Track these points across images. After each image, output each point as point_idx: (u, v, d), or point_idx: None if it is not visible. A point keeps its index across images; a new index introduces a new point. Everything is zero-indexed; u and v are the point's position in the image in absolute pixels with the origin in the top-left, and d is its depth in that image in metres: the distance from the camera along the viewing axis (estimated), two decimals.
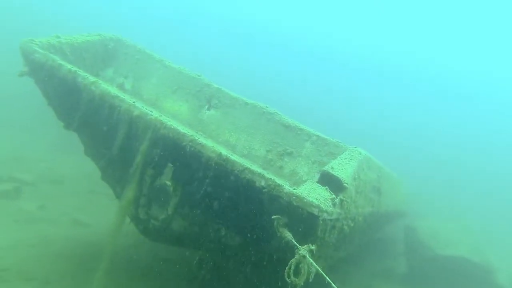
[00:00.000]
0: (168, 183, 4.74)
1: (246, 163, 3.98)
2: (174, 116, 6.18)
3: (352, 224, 4.52)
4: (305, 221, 3.51)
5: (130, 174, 4.71)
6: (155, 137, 4.47)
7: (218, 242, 4.74)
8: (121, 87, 6.63)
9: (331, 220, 3.66)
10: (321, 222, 3.47)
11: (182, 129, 4.46)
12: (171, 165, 4.62)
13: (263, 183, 3.70)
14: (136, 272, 5.47)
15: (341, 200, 3.84)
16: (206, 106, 6.15)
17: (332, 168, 4.06)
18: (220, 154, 4.04)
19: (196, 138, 4.27)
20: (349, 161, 4.35)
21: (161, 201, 4.93)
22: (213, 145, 4.18)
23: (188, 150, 4.26)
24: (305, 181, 5.03)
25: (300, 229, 3.54)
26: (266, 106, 5.78)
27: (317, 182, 4.00)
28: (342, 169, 4.10)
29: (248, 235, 4.06)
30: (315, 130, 5.42)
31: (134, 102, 4.77)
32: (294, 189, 3.67)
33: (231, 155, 4.23)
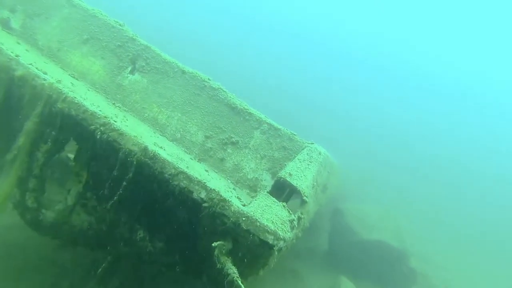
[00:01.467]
0: (71, 162, 3.60)
1: (181, 164, 3.02)
2: (82, 76, 4.73)
3: (300, 234, 3.96)
4: (255, 250, 2.78)
5: (13, 145, 3.43)
6: (49, 114, 3.18)
7: (134, 246, 3.79)
8: (4, 24, 4.82)
9: (286, 246, 2.99)
10: (275, 252, 2.78)
11: (91, 105, 3.23)
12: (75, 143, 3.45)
13: (203, 195, 2.85)
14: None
15: (299, 218, 3.18)
16: (129, 68, 4.81)
17: (290, 174, 3.34)
18: (145, 149, 3.01)
19: (111, 121, 3.12)
20: (308, 164, 3.68)
21: (59, 186, 3.84)
22: (135, 134, 3.09)
23: (99, 138, 3.11)
24: (250, 179, 4.28)
25: (246, 259, 2.81)
26: (209, 79, 4.72)
27: (271, 191, 3.26)
28: (301, 176, 3.42)
29: (176, 255, 3.21)
30: (267, 116, 4.59)
31: (17, 56, 3.32)
32: (244, 205, 2.88)
33: (160, 149, 3.20)
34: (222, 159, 4.36)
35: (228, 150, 4.42)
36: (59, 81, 3.27)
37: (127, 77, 4.76)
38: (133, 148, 3.05)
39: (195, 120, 4.57)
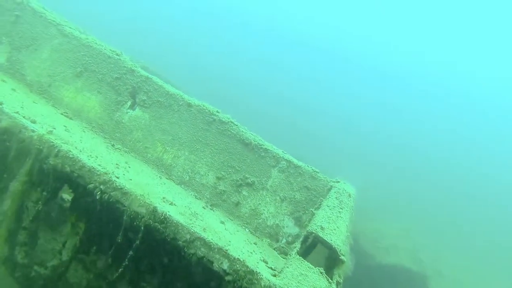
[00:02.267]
0: (66, 204, 3.19)
1: (197, 225, 2.59)
2: (77, 114, 4.31)
3: None
4: None
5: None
6: (39, 171, 2.75)
7: None
8: None
9: None
10: None
11: (88, 158, 2.81)
12: (70, 190, 3.05)
13: (225, 266, 2.42)
14: None
15: (338, 283, 2.74)
16: (129, 103, 4.40)
17: (322, 228, 2.91)
18: (154, 211, 2.57)
19: (112, 178, 2.70)
20: (339, 212, 3.25)
21: (52, 239, 3.41)
22: (142, 192, 2.67)
23: (99, 198, 2.67)
24: (270, 227, 3.84)
25: None
26: (218, 112, 4.31)
27: (302, 250, 2.83)
28: (334, 228, 2.98)
29: None
30: (285, 151, 4.17)
31: (0, 104, 2.91)
32: (274, 274, 2.45)
33: (171, 206, 2.77)
34: (237, 204, 3.92)
35: (244, 193, 3.98)
36: (50, 132, 2.85)
37: (127, 113, 4.35)
38: (140, 210, 2.62)
39: (204, 159, 4.14)
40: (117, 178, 2.79)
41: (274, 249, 3.55)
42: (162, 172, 4.05)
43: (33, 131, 2.82)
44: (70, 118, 4.17)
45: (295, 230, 3.76)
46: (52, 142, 2.78)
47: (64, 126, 3.56)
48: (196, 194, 3.92)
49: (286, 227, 3.78)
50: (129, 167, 3.48)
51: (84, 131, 3.96)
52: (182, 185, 4.00)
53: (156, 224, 2.58)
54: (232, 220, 3.81)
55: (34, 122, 2.97)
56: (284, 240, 3.70)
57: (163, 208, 2.67)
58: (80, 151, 2.95)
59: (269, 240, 3.70)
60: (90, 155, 3.00)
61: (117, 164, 3.28)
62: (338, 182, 3.92)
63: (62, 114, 4.13)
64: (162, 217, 2.58)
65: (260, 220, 3.84)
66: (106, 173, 2.75)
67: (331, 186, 3.85)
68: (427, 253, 10.22)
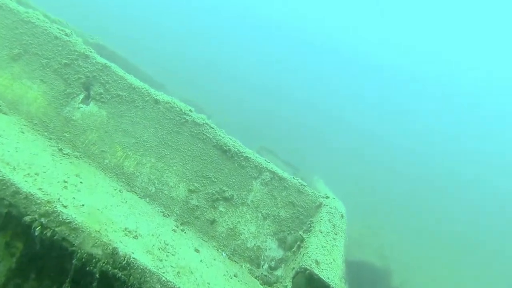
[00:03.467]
0: None
1: (169, 272, 2.11)
2: (13, 107, 3.54)
3: None
4: None
5: None
6: None
7: None
8: None
9: None
10: None
11: (24, 180, 2.20)
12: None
13: None
14: None
15: None
16: (81, 96, 3.69)
17: (317, 263, 2.53)
18: (114, 253, 2.05)
19: (58, 208, 2.12)
20: (334, 239, 2.89)
21: None
22: (99, 227, 2.12)
23: (38, 235, 2.09)
24: (251, 249, 3.41)
25: None
26: (191, 110, 3.73)
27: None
28: (330, 262, 2.62)
29: None
30: (267, 159, 3.71)
31: None
32: None
33: (136, 249, 2.25)
34: (212, 222, 3.43)
35: (220, 209, 3.49)
36: None
37: (79, 108, 3.64)
38: (95, 251, 2.07)
39: (174, 168, 3.58)
40: (64, 207, 2.20)
41: (255, 277, 3.15)
42: (122, 182, 3.45)
43: None
44: (4, 113, 3.40)
45: (278, 253, 3.37)
46: None
47: None
48: (164, 211, 3.38)
49: (269, 249, 3.38)
50: (81, 182, 2.85)
51: (22, 132, 3.24)
52: (147, 199, 3.43)
53: (116, 270, 2.05)
54: (206, 241, 3.33)
55: None
56: (266, 265, 3.30)
57: (126, 247, 2.13)
58: (14, 169, 2.30)
59: (249, 266, 3.28)
60: (28, 174, 2.35)
61: (65, 181, 2.65)
62: (327, 197, 3.55)
63: None
64: (125, 261, 2.06)
65: (239, 241, 3.39)
66: (49, 202, 2.14)
67: (320, 202, 3.49)
68: (392, 249, 10.49)
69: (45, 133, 3.49)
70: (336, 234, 2.99)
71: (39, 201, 2.12)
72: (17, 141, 2.87)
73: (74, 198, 2.43)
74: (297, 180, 3.62)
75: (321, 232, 2.93)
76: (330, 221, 3.15)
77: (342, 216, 3.35)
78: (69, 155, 3.30)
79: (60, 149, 3.31)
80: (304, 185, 3.60)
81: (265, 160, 3.69)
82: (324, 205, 3.43)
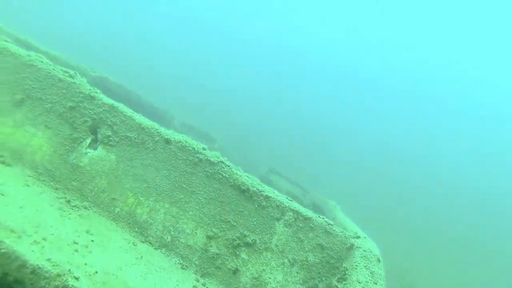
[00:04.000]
0: None
1: None
2: (17, 157, 3.36)
3: None
4: None
5: None
6: None
7: None
8: None
9: None
10: None
11: (32, 249, 1.98)
12: None
13: None
14: None
15: None
16: (88, 140, 3.50)
17: None
18: None
19: (70, 281, 1.89)
20: None
21: None
22: None
23: None
24: None
25: None
26: (204, 148, 3.54)
27: None
28: None
29: None
30: (290, 199, 3.47)
31: None
32: None
33: None
34: (235, 271, 3.17)
35: (243, 256, 3.24)
36: None
37: (86, 153, 3.45)
38: None
39: (190, 213, 3.34)
40: (76, 279, 1.96)
41: None
42: (135, 232, 3.21)
43: None
44: (8, 165, 3.22)
45: None
46: None
47: None
48: (182, 262, 3.13)
49: None
50: (92, 240, 2.63)
51: (27, 184, 3.03)
52: (163, 249, 3.19)
53: None
54: None
55: None
56: None
57: None
58: (19, 237, 2.08)
59: None
60: (35, 241, 2.13)
61: (75, 243, 2.42)
62: (358, 237, 3.29)
63: None
64: None
65: None
66: (59, 275, 1.91)
67: (352, 244, 3.22)
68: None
69: (52, 183, 3.29)
70: (375, 284, 2.72)
71: (48, 275, 1.90)
72: (22, 198, 2.67)
73: (86, 264, 2.21)
74: (323, 218, 3.37)
75: (359, 283, 2.66)
76: (367, 267, 2.89)
77: (378, 260, 3.08)
78: (78, 207, 3.08)
79: (68, 201, 3.10)
80: (331, 224, 3.34)
81: (287, 198, 3.45)
82: (357, 247, 3.17)
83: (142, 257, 2.85)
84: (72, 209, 3.01)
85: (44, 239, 2.22)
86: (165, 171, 3.44)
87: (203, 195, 3.40)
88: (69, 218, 2.78)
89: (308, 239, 3.29)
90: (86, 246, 2.46)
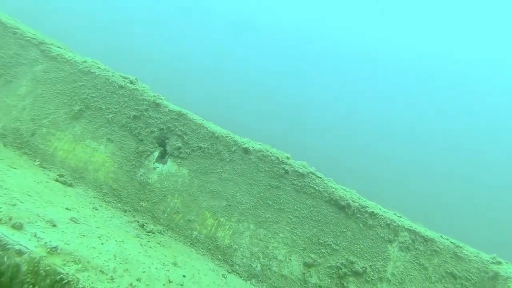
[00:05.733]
0: None
1: None
2: (79, 175, 2.99)
3: None
4: None
5: None
6: None
7: None
8: None
9: None
10: None
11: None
12: None
13: None
14: None
15: None
16: (156, 153, 3.11)
17: None
18: None
19: None
20: None
21: None
22: None
23: None
24: None
25: None
26: (288, 157, 3.05)
27: None
28: None
29: None
30: (400, 214, 2.91)
31: None
32: None
33: None
34: None
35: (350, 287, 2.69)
36: (52, 250, 1.55)
37: (155, 168, 3.05)
38: None
39: (281, 235, 2.85)
40: None
41: None
42: (219, 260, 2.75)
43: (19, 252, 1.52)
44: (69, 185, 2.85)
45: None
46: (57, 270, 1.48)
47: (67, 209, 2.24)
48: None
49: None
50: (184, 275, 2.16)
51: (95, 207, 2.64)
52: (253, 281, 2.69)
53: None
54: None
55: (20, 227, 1.66)
56: None
57: None
58: (112, 278, 1.64)
59: None
60: (131, 284, 1.69)
61: (169, 281, 1.97)
62: (499, 263, 2.67)
63: (54, 180, 2.81)
64: None
65: None
66: None
67: (495, 273, 2.61)
68: None
69: (119, 204, 2.90)
70: None
71: None
72: (96, 226, 2.26)
73: None
74: (448, 239, 2.78)
75: None
76: None
77: None
78: (153, 233, 2.66)
79: (142, 225, 2.69)
80: (460, 247, 2.74)
81: (395, 214, 2.89)
82: (502, 276, 2.55)
83: (224, 281, 2.37)
84: (149, 235, 2.59)
85: (138, 279, 1.79)
86: (247, 186, 2.98)
87: (293, 213, 2.90)
88: (150, 247, 2.35)
89: (434, 266, 2.70)
90: (182, 285, 2.01)
